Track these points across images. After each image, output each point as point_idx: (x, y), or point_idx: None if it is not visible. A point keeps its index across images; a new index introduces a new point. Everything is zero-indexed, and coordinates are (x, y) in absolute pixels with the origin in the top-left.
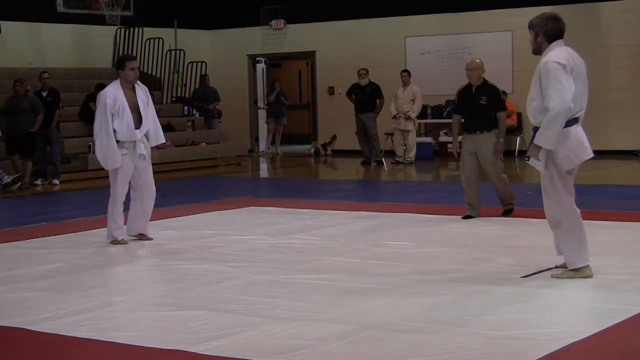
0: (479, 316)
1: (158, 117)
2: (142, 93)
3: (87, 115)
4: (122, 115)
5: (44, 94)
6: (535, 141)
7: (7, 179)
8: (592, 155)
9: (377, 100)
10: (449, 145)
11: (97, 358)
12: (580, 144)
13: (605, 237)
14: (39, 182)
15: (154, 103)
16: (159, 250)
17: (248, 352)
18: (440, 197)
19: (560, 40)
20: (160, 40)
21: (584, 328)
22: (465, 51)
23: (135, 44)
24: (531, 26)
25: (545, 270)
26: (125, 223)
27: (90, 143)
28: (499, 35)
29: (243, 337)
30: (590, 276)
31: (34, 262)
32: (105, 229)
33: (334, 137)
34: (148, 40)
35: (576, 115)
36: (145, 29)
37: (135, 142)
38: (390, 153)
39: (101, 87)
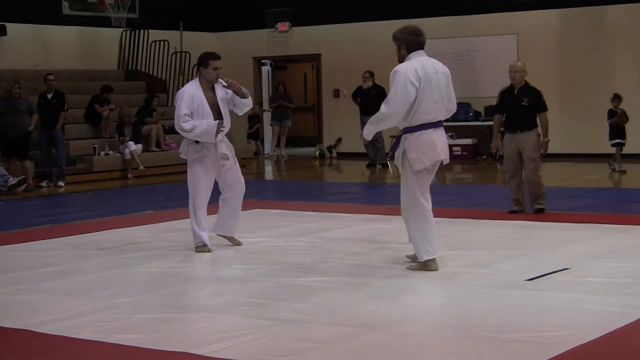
0: (484, 319)
1: (163, 119)
2: (222, 91)
3: (92, 117)
4: (201, 115)
5: (49, 95)
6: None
7: (12, 180)
8: (443, 157)
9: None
10: (454, 148)
11: None
12: (432, 147)
13: (612, 241)
14: (44, 184)
15: (159, 105)
16: (163, 252)
17: (253, 354)
18: (445, 199)
19: (420, 51)
20: (166, 42)
21: (589, 331)
22: (471, 54)
23: (141, 46)
24: (395, 39)
25: (550, 273)
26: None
27: (96, 145)
28: (505, 38)
29: (248, 339)
30: (435, 269)
31: (39, 264)
32: (111, 230)
33: (339, 140)
34: (154, 43)
35: (431, 121)
36: (150, 31)
37: (216, 143)
38: None
39: (107, 88)
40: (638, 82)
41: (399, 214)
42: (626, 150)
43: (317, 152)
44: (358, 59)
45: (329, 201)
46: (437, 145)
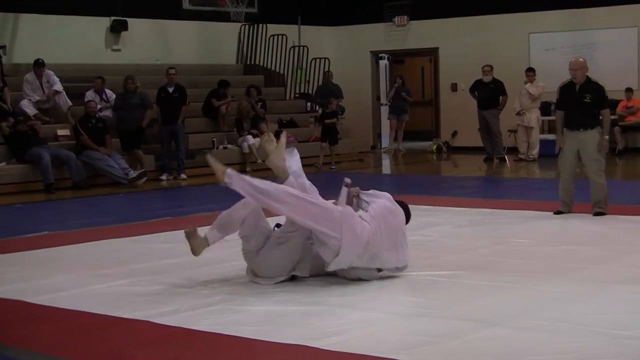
0: (603, 314)
1: (283, 112)
2: None
3: (210, 111)
4: None
5: (170, 89)
6: None
7: (132, 173)
8: None
9: (500, 97)
10: None
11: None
12: None
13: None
14: (163, 177)
15: (277, 99)
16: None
17: (368, 348)
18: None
19: None
20: (284, 36)
21: None
22: (591, 47)
23: (259, 40)
24: None
25: None
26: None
27: (215, 139)
28: (625, 32)
29: (363, 333)
30: None
31: (157, 257)
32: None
33: (455, 133)
34: (272, 37)
35: None
36: (269, 25)
37: None
38: (513, 150)
39: (224, 83)
40: None
41: (515, 209)
42: None
43: (434, 146)
44: (476, 53)
45: (446, 195)
46: None
